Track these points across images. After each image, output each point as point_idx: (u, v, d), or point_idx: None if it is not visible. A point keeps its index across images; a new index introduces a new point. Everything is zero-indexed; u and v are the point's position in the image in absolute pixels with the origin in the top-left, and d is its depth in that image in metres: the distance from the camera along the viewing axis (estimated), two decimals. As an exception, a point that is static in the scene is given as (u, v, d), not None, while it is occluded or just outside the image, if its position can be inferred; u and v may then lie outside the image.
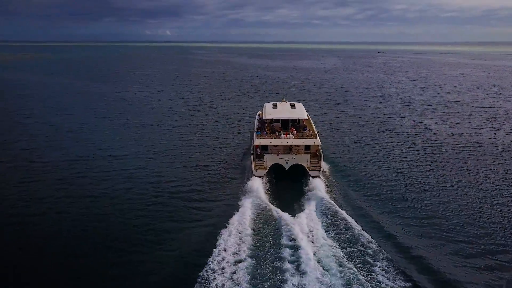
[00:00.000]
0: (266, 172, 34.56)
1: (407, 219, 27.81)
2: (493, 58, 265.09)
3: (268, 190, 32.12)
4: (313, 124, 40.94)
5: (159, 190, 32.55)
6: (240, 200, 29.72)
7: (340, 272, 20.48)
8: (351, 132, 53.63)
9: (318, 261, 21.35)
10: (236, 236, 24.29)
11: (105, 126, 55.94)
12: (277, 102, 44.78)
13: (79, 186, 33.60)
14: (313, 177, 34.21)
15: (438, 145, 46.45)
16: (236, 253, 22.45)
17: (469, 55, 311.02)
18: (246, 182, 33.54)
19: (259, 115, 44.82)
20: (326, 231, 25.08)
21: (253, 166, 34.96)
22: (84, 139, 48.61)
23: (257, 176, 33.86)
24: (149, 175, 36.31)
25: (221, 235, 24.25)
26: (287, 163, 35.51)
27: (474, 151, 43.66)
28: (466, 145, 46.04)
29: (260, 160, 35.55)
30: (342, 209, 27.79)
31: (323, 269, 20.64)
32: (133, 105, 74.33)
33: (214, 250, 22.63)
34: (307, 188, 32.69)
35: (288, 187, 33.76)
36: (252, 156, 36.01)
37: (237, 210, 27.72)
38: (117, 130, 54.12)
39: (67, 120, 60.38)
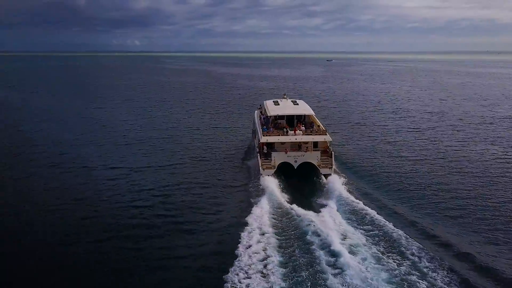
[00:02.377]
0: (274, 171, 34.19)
1: (428, 208, 28.78)
2: (477, 65, 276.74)
3: (281, 189, 31.57)
4: (318, 121, 41.04)
5: (167, 197, 30.88)
6: (254, 201, 29.15)
7: (378, 266, 20.44)
8: (355, 130, 54.96)
9: (354, 257, 21.09)
10: (258, 236, 23.75)
11: (102, 137, 53.35)
12: (278, 100, 44.82)
13: (88, 197, 31.59)
14: (324, 175, 34.12)
15: (447, 137, 48.00)
16: (263, 253, 21.89)
17: (444, 63, 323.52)
18: (255, 182, 33.15)
19: (259, 113, 44.57)
20: (353, 227, 24.97)
21: (260, 165, 34.41)
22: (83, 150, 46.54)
23: (265, 176, 33.42)
24: (151, 183, 34.30)
25: (243, 236, 23.69)
26: (295, 161, 35.17)
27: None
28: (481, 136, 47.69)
29: (267, 159, 35.09)
30: (365, 205, 27.82)
31: (361, 265, 20.45)
32: (116, 117, 71.45)
33: (238, 250, 22.11)
34: (321, 186, 32.54)
35: (301, 186, 33.27)
36: (258, 154, 35.53)
37: (253, 211, 27.08)
38: (108, 141, 51.92)
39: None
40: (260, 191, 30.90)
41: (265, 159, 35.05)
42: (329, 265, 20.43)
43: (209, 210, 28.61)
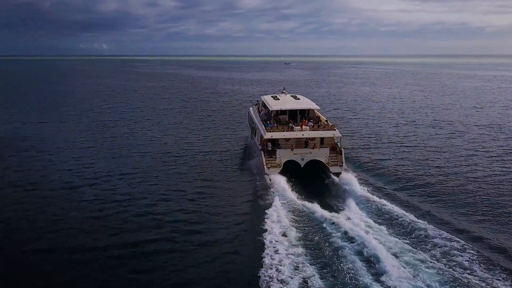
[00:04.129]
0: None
1: (448, 201, 28.92)
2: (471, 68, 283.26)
3: (292, 189, 30.19)
4: (323, 116, 39.83)
5: (174, 204, 28.88)
6: (266, 202, 27.92)
7: (415, 262, 20.14)
8: (352, 128, 55.15)
9: (394, 259, 20.23)
10: (281, 237, 22.67)
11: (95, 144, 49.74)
12: (276, 95, 43.56)
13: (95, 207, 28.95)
14: (334, 173, 32.81)
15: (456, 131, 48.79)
16: (292, 256, 20.79)
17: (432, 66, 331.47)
18: (262, 183, 31.83)
19: (256, 110, 43.00)
20: (380, 224, 24.22)
21: (265, 164, 32.89)
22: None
23: (271, 175, 31.86)
24: (153, 193, 31.43)
25: (266, 238, 22.50)
26: (302, 159, 33.86)
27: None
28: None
29: (272, 157, 33.60)
30: (389, 203, 27.10)
31: (403, 268, 19.59)
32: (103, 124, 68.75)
33: (264, 251, 21.18)
34: (334, 185, 31.60)
35: (311, 185, 32.07)
36: (262, 153, 33.90)
37: (268, 213, 25.80)
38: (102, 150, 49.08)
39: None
40: (269, 192, 29.58)
41: (269, 157, 33.52)
42: (370, 271, 19.37)
43: (219, 214, 26.90)
